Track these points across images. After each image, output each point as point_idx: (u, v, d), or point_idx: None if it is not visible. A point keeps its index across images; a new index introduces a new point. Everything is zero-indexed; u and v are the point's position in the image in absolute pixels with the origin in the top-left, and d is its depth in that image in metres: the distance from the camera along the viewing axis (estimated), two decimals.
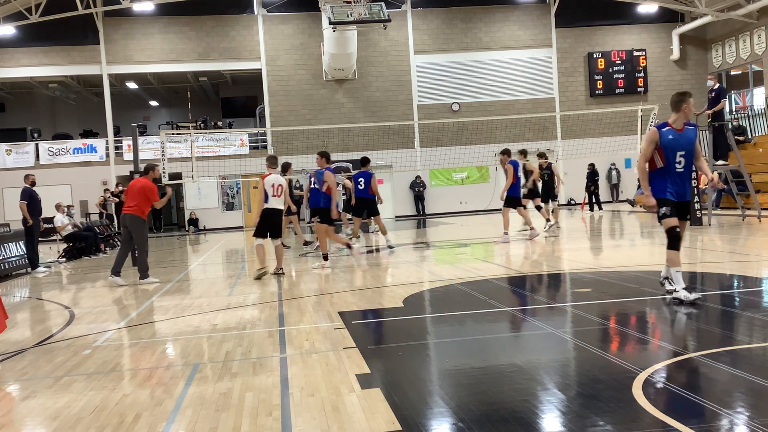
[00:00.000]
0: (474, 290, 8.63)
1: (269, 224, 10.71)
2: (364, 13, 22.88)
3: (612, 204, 29.19)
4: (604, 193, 30.12)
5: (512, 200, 14.22)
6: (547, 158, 17.31)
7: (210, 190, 28.01)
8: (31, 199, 13.92)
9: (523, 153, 16.72)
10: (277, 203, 10.65)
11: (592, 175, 22.39)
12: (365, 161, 14.62)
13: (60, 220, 17.29)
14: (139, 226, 11.11)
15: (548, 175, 17.03)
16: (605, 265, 9.91)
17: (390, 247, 13.96)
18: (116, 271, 10.98)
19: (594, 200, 25.06)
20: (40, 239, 14.63)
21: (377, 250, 14.29)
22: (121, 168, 26.84)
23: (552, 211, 16.82)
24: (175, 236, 26.56)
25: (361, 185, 14.11)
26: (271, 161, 11.03)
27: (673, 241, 6.66)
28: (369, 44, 28.68)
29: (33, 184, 14.28)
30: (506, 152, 14.45)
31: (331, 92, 28.80)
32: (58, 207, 17.55)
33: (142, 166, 14.82)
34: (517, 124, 28.02)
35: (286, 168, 13.85)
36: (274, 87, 28.62)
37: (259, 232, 10.75)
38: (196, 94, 33.03)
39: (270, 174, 10.77)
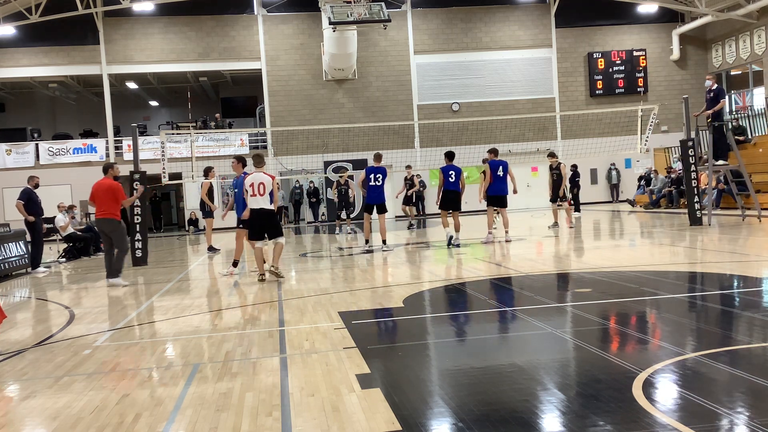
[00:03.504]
0: (474, 290, 8.63)
1: (261, 225, 10.14)
2: (364, 13, 22.87)
3: (612, 204, 29.19)
4: (604, 193, 30.16)
5: (493, 199, 14.26)
6: (556, 157, 17.41)
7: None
8: (29, 200, 13.95)
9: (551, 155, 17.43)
10: (261, 202, 10.02)
11: (574, 176, 22.48)
12: (451, 155, 13.99)
13: (62, 219, 17.34)
14: (115, 228, 11.00)
15: (557, 174, 17.12)
16: (605, 265, 9.91)
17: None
18: (113, 274, 10.97)
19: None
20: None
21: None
22: (122, 168, 26.59)
23: (553, 211, 16.96)
24: (175, 236, 26.55)
25: (452, 178, 13.68)
26: (257, 160, 10.39)
27: None
28: (369, 44, 28.68)
29: (36, 186, 14.32)
30: (493, 151, 14.47)
31: (331, 92, 28.80)
32: (59, 207, 17.65)
33: (142, 166, 14.90)
34: (517, 124, 28.02)
35: (378, 157, 14.20)
36: (274, 87, 28.62)
37: (253, 235, 10.25)
38: (196, 94, 33.02)
39: (252, 173, 10.24)
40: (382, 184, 13.74)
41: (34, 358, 6.10)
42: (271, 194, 10.08)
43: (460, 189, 13.77)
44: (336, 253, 14.58)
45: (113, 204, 10.97)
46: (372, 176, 13.68)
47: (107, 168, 11.47)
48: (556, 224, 17.01)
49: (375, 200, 13.80)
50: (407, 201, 21.75)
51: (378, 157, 14.13)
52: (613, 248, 12.72)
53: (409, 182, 21.59)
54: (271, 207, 10.12)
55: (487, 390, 4.35)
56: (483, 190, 14.29)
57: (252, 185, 10.02)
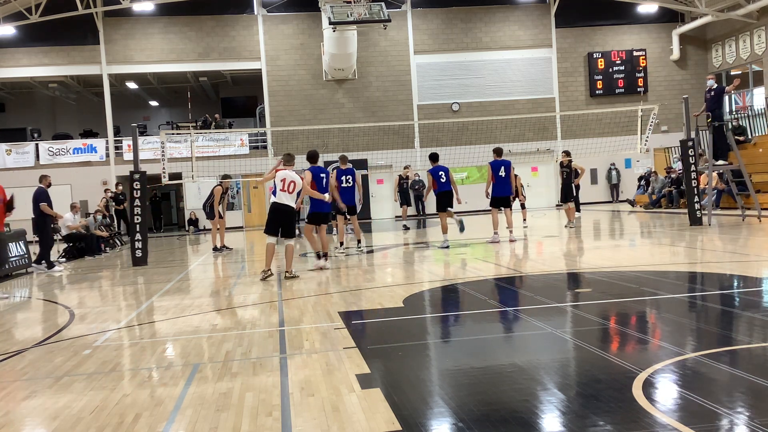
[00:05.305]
0: (474, 290, 8.62)
1: (279, 221, 10.26)
2: (364, 13, 22.86)
3: (612, 204, 29.19)
4: (604, 193, 30.15)
5: (496, 200, 14.26)
6: (569, 156, 17.38)
7: (210, 190, 27.94)
8: (47, 199, 14.25)
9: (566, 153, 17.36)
10: (287, 199, 10.19)
11: (574, 176, 22.50)
12: (435, 157, 14.05)
13: (70, 219, 17.44)
14: None
15: (567, 173, 17.13)
16: (605, 265, 9.91)
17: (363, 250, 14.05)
18: None
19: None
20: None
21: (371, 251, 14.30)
22: (121, 168, 26.81)
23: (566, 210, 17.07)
24: (175, 236, 26.55)
25: (443, 178, 13.65)
26: (287, 158, 10.68)
27: None
28: (369, 44, 28.67)
29: (49, 185, 14.53)
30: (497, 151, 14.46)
31: (331, 92, 28.80)
32: (72, 207, 17.82)
33: (142, 166, 14.88)
34: (517, 124, 28.01)
35: (344, 160, 14.01)
36: (274, 87, 28.61)
37: (269, 229, 10.32)
38: (196, 94, 33.01)
39: (284, 169, 10.47)
40: (353, 185, 13.73)
41: (34, 358, 6.09)
42: (298, 194, 10.36)
43: (451, 188, 13.77)
44: (335, 252, 14.55)
45: None
46: (343, 178, 13.69)
47: None
48: (570, 223, 17.02)
49: (347, 202, 13.74)
50: (405, 201, 21.48)
51: (344, 159, 14.05)
52: (613, 248, 12.72)
53: (405, 181, 21.45)
54: (294, 206, 10.38)
55: (487, 390, 4.35)
56: (487, 191, 14.26)
57: (283, 180, 10.22)
